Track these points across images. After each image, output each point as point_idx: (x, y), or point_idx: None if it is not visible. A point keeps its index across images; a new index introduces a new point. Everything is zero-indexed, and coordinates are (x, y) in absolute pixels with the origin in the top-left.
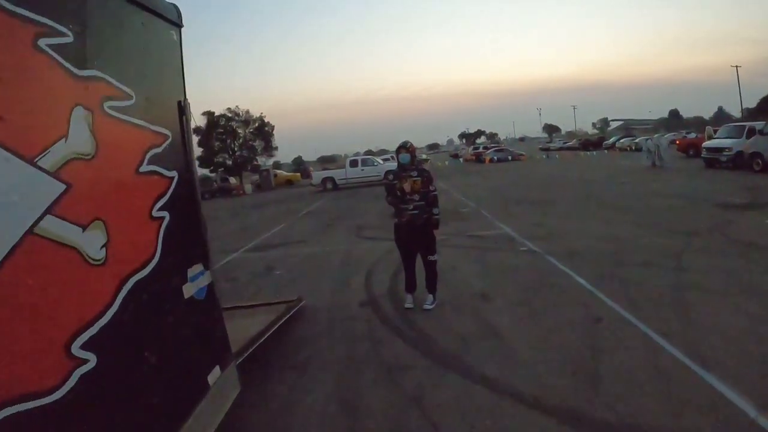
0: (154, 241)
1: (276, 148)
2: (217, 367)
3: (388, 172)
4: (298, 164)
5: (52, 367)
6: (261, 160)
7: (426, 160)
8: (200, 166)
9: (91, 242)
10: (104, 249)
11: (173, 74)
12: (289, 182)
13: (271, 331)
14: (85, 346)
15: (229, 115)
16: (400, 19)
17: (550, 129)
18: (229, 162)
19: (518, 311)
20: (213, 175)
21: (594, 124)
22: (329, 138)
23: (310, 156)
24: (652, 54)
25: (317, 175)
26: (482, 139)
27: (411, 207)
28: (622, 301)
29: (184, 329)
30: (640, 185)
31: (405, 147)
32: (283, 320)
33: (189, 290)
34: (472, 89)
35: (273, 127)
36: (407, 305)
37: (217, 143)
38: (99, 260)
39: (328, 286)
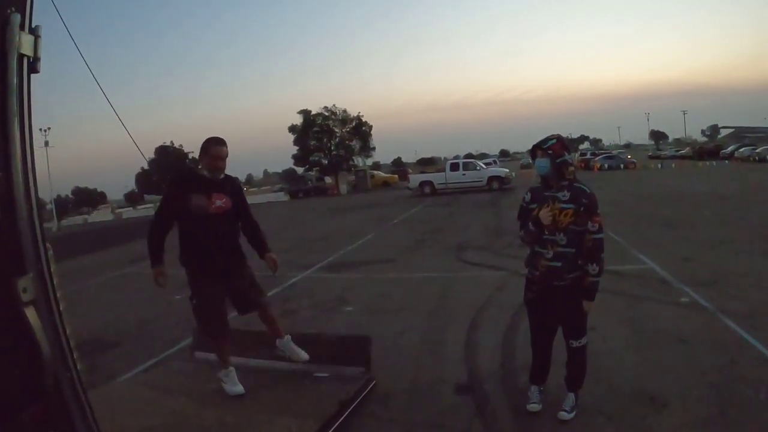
0: None
1: (373, 149)
2: None
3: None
4: (398, 166)
5: None
6: (358, 161)
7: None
8: (295, 164)
9: None
10: None
11: None
12: (386, 184)
13: None
14: None
15: (326, 113)
16: (501, 19)
17: (657, 136)
18: (325, 161)
19: None
20: (310, 173)
21: (703, 131)
22: (429, 140)
23: (409, 158)
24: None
25: (414, 179)
26: (585, 145)
27: (550, 253)
28: None
29: None
30: None
31: (542, 146)
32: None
33: None
34: (574, 92)
35: (371, 126)
36: (531, 406)
37: (312, 142)
38: None
39: (414, 344)
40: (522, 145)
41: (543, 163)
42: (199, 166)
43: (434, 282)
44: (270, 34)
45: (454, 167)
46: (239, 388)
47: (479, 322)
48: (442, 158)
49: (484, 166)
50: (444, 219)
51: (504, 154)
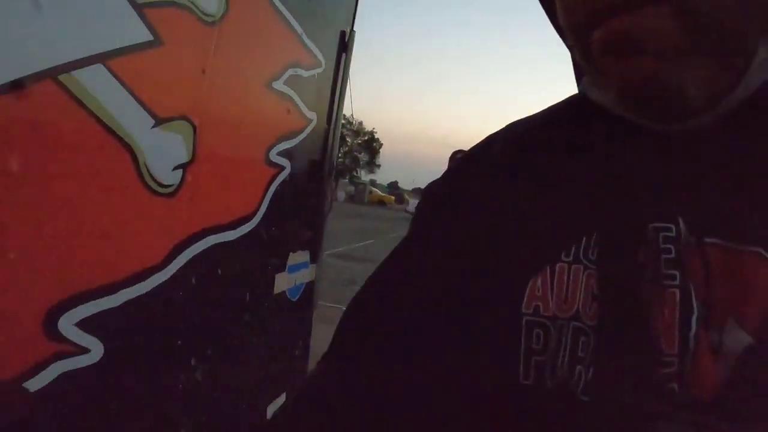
0: (259, 194)
1: (379, 166)
2: (284, 396)
3: None
4: (393, 188)
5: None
6: (361, 173)
7: None
8: None
9: (162, 151)
10: (181, 172)
11: None
12: (381, 202)
13: None
14: (83, 325)
15: (342, 121)
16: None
17: None
18: None
19: None
20: None
21: None
22: (430, 173)
23: (406, 185)
24: None
25: (414, 203)
26: None
27: None
28: None
29: (257, 337)
30: None
31: None
32: None
33: (282, 283)
34: None
35: (381, 144)
36: None
37: None
38: (168, 188)
39: None
40: None
41: None
42: None
43: None
44: None
45: None
46: None
47: None
48: None
49: None
50: None
51: None
